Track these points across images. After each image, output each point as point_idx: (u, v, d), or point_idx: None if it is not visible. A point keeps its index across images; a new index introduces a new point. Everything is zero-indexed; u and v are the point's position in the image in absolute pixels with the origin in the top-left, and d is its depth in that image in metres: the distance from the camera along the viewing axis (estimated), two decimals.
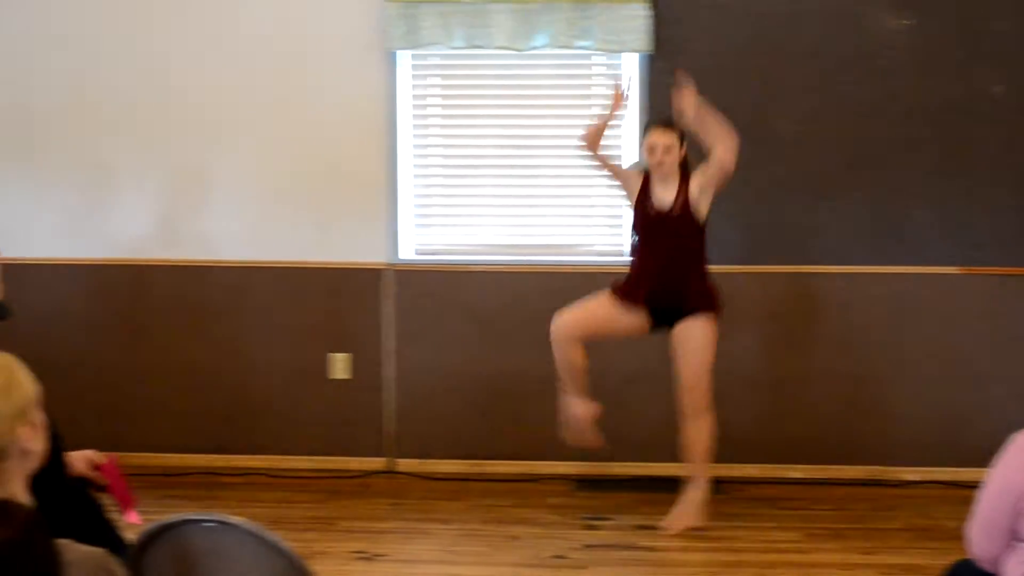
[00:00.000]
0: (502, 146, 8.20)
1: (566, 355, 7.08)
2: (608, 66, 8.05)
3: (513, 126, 8.19)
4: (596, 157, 7.06)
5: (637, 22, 7.78)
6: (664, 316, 7.01)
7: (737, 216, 7.92)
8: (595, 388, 7.97)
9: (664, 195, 6.93)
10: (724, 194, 7.88)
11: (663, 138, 6.87)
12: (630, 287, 7.04)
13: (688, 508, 7.07)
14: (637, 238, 7.08)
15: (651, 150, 6.88)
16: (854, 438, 8.04)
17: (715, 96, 7.87)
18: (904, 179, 7.95)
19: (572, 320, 7.07)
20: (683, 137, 6.92)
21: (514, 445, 8.09)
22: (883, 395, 8.03)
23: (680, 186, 6.91)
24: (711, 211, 7.01)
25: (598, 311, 7.09)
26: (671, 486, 7.76)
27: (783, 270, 7.99)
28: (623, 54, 7.92)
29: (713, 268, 7.77)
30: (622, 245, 8.00)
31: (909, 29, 7.89)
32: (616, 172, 7.16)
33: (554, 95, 8.15)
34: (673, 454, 7.98)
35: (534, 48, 7.87)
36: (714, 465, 7.92)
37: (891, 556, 6.63)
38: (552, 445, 8.00)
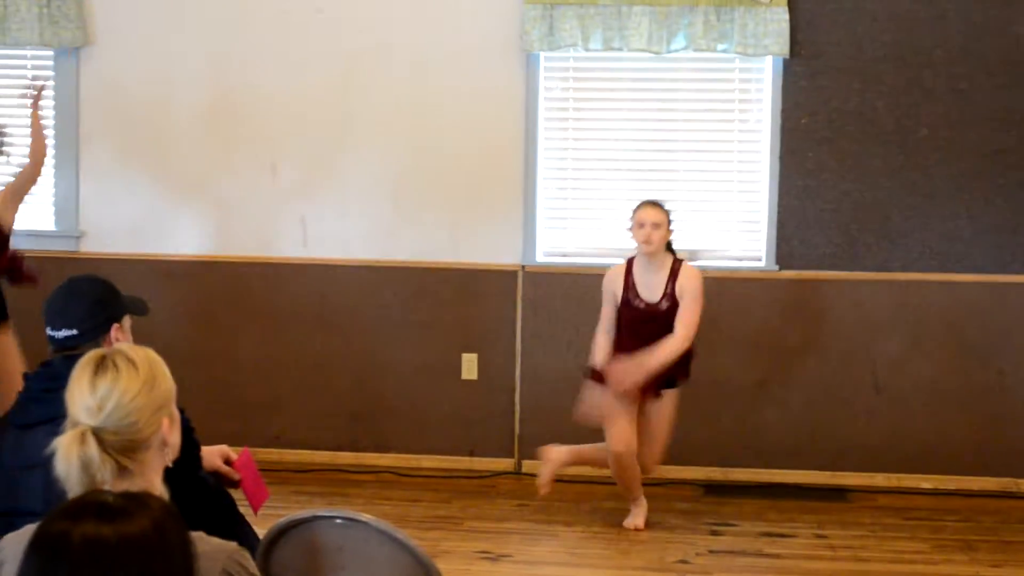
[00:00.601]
0: (637, 149, 8.20)
1: (630, 471, 7.10)
2: (744, 69, 8.04)
3: (648, 129, 8.20)
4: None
5: (777, 25, 7.77)
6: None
7: (874, 223, 7.89)
8: (721, 396, 8.00)
9: (651, 282, 6.95)
10: (862, 203, 7.88)
11: (652, 215, 6.91)
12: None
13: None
14: (620, 328, 7.07)
15: (640, 225, 6.91)
16: (986, 449, 7.97)
17: (852, 99, 7.86)
18: None
19: (624, 434, 7.01)
20: (671, 218, 6.98)
21: None
22: (1017, 406, 7.94)
23: (669, 277, 6.95)
24: None
25: (619, 411, 7.02)
26: (797, 493, 7.78)
27: (917, 278, 7.92)
28: (762, 57, 7.91)
29: (848, 275, 7.78)
30: (759, 250, 8.02)
31: None
32: (607, 312, 7.13)
33: (692, 98, 8.17)
34: (800, 462, 8.00)
35: (672, 51, 7.88)
36: (841, 474, 7.92)
37: (1020, 569, 6.60)
38: (679, 450, 8.02)
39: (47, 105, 8.24)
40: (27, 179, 7.36)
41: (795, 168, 7.97)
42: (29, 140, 7.42)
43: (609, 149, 8.19)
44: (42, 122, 7.52)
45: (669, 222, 6.95)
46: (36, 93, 7.49)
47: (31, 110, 7.45)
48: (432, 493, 7.80)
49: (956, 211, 7.91)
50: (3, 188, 7.33)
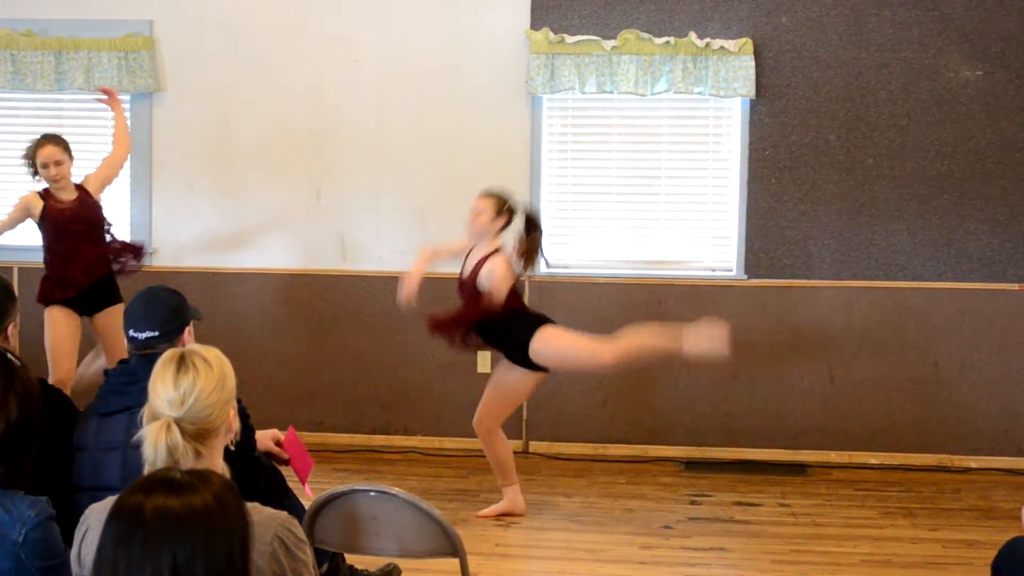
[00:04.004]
0: (626, 176, 8.17)
1: (490, 449, 6.74)
2: (717, 108, 8.03)
3: (635, 159, 8.16)
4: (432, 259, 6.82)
5: (745, 71, 7.76)
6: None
7: (829, 239, 7.88)
8: (699, 386, 7.97)
9: (471, 260, 6.61)
10: (818, 221, 7.86)
11: (475, 202, 6.58)
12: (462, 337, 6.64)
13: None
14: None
15: (471, 211, 6.58)
16: (924, 430, 7.95)
17: (809, 133, 7.85)
18: (974, 208, 7.85)
19: (483, 414, 6.73)
20: (502, 208, 6.55)
21: (630, 431, 8.09)
22: (950, 394, 7.93)
23: (482, 260, 6.50)
24: None
25: (491, 387, 6.78)
26: (764, 468, 7.76)
27: (865, 285, 7.91)
28: (732, 98, 7.89)
29: (807, 283, 7.75)
30: (730, 261, 8.01)
31: (981, 78, 7.79)
32: (451, 250, 6.86)
33: (672, 133, 8.14)
34: (766, 441, 7.98)
35: (656, 93, 7.87)
36: (801, 452, 7.90)
37: (954, 532, 6.56)
38: (663, 431, 8.01)
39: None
40: (115, 164, 7.43)
41: (761, 192, 7.95)
42: (114, 130, 7.52)
43: (602, 176, 8.16)
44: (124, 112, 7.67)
45: (499, 211, 6.53)
46: (109, 95, 7.52)
47: (112, 105, 7.51)
48: (452, 470, 7.78)
49: (898, 228, 7.89)
50: (91, 175, 7.33)
